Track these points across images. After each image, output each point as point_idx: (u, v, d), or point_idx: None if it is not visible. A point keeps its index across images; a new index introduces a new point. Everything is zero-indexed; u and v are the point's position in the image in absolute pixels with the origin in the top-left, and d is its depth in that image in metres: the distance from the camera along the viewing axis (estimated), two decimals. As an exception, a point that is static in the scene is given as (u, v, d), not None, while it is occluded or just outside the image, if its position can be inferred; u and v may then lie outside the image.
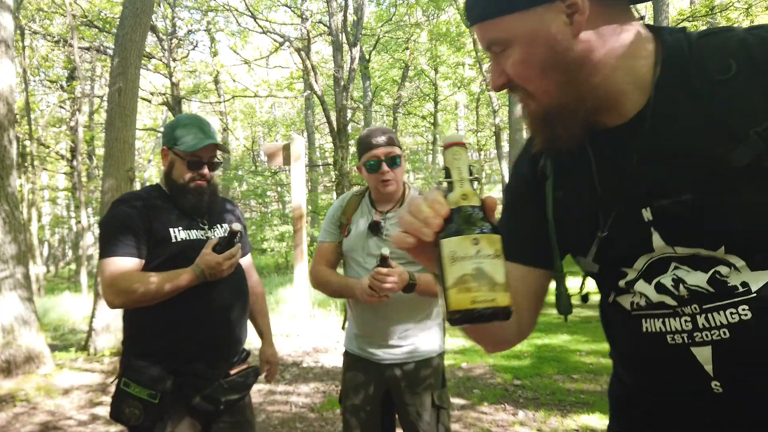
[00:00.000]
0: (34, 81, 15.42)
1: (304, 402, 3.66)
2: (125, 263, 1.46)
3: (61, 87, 15.02)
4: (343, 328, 1.93)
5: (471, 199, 0.60)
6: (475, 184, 0.62)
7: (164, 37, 13.95)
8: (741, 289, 0.63)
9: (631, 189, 0.67)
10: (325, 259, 1.77)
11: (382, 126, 1.84)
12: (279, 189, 19.01)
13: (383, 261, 1.52)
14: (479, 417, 3.18)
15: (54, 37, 13.30)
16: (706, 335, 0.65)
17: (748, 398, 0.65)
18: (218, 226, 1.65)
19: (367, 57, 17.47)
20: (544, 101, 0.69)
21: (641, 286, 0.69)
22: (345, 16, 13.76)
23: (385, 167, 1.64)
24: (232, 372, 1.59)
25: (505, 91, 0.71)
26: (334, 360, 4.72)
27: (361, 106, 16.86)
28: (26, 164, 13.53)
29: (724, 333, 0.64)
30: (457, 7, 16.37)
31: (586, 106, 0.67)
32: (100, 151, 17.66)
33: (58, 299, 9.27)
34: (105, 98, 11.16)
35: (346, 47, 14.20)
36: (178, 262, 1.48)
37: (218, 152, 1.62)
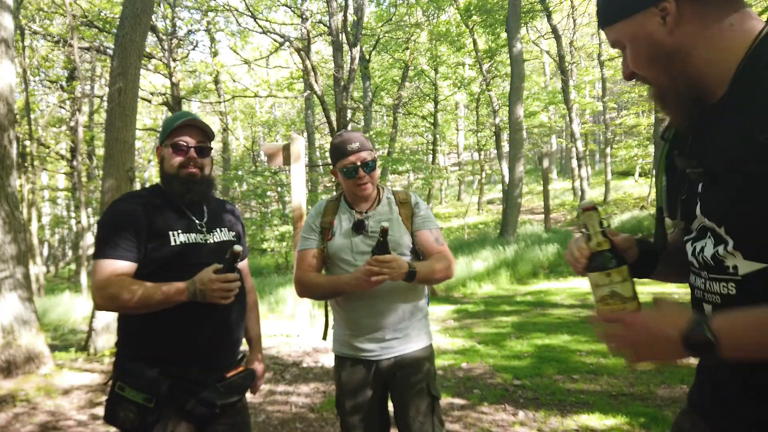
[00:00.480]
0: (34, 81, 15.42)
1: (304, 402, 3.65)
2: (119, 266, 1.44)
3: (61, 87, 15.02)
4: (324, 338, 1.94)
5: (603, 245, 0.92)
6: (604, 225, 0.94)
7: (164, 37, 13.94)
8: (732, 271, 0.78)
9: (697, 162, 0.83)
10: (310, 265, 1.77)
11: (353, 131, 1.86)
12: (279, 189, 18.97)
13: (383, 233, 1.55)
14: (479, 417, 3.18)
15: (54, 37, 13.29)
16: (709, 297, 0.84)
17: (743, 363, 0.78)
18: (217, 230, 1.63)
19: (367, 57, 17.46)
20: (656, 85, 0.87)
21: (688, 246, 0.89)
22: (345, 16, 13.75)
23: (361, 173, 1.69)
24: (229, 375, 1.57)
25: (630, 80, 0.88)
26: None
27: (362, 106, 16.86)
28: (26, 164, 13.52)
29: (718, 299, 0.82)
30: (456, 7, 16.35)
31: (685, 90, 0.82)
32: (100, 152, 17.62)
33: (58, 299, 9.27)
34: (105, 98, 11.13)
35: (346, 47, 14.19)
36: (176, 266, 1.47)
37: (208, 141, 1.60)
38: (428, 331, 1.83)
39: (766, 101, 0.70)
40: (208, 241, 1.58)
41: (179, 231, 1.53)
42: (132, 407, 1.41)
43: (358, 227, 1.72)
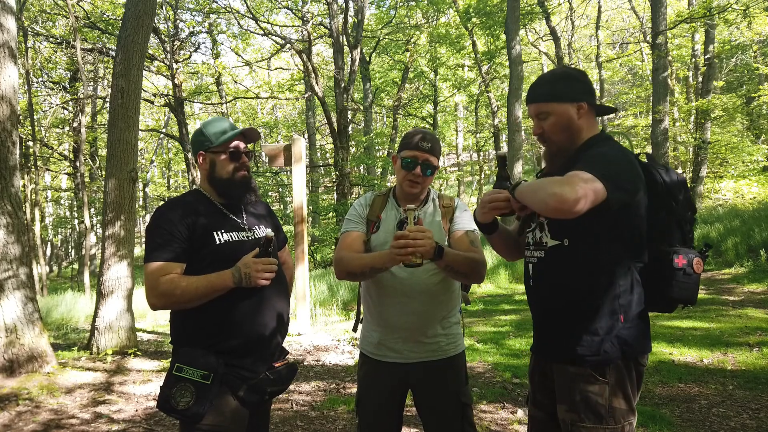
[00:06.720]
0: (37, 82, 15.49)
1: (305, 400, 3.68)
2: (167, 267, 1.52)
3: (64, 88, 15.08)
4: (354, 329, 1.94)
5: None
6: None
7: (166, 39, 14.00)
8: (545, 245, 1.47)
9: None
10: (350, 247, 1.72)
11: (434, 134, 1.88)
12: (280, 190, 19.02)
13: (401, 224, 1.62)
14: (479, 415, 3.21)
15: (57, 38, 13.36)
16: (532, 259, 1.52)
17: (543, 294, 1.50)
18: (256, 227, 1.71)
19: (368, 59, 17.50)
20: (556, 144, 1.51)
21: (528, 234, 1.57)
22: (345, 18, 13.81)
23: (418, 170, 1.70)
24: (276, 365, 1.65)
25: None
26: (335, 359, 4.75)
27: (362, 107, 16.90)
28: (29, 165, 13.59)
29: (535, 260, 1.51)
30: (456, 9, 16.40)
31: (569, 148, 1.49)
32: (103, 152, 17.69)
33: (60, 298, 9.32)
34: (108, 99, 11.18)
35: (346, 49, 14.24)
36: (224, 263, 1.53)
37: (250, 144, 1.70)
38: (461, 339, 1.79)
39: (585, 158, 1.35)
40: (250, 238, 1.66)
41: (223, 231, 1.61)
42: (189, 386, 1.45)
43: (402, 226, 1.71)
